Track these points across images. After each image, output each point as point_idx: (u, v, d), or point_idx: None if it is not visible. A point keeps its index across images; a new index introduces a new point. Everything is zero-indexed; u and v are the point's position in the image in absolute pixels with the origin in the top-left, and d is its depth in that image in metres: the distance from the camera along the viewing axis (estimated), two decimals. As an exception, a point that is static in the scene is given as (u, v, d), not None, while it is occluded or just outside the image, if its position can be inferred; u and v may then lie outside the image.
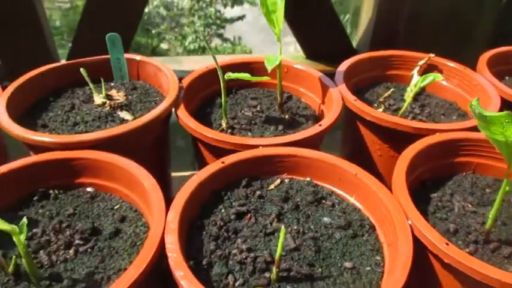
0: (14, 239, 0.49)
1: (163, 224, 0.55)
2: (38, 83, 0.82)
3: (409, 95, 0.88)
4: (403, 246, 0.53)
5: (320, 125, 0.72)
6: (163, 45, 5.38)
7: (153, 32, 5.21)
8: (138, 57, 0.87)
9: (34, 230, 0.60)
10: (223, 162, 0.64)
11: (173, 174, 0.95)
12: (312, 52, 1.28)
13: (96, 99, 0.82)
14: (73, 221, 0.62)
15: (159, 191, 0.60)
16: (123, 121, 0.78)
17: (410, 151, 0.67)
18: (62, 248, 0.58)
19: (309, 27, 1.22)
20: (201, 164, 0.78)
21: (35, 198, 0.65)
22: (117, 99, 0.82)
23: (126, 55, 0.86)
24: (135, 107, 0.82)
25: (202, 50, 5.11)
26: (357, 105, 0.77)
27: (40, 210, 0.64)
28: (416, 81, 0.88)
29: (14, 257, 0.53)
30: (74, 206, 0.64)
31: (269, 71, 0.75)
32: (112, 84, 0.88)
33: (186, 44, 6.07)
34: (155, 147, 0.78)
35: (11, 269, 0.54)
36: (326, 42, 1.25)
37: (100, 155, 0.65)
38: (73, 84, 0.86)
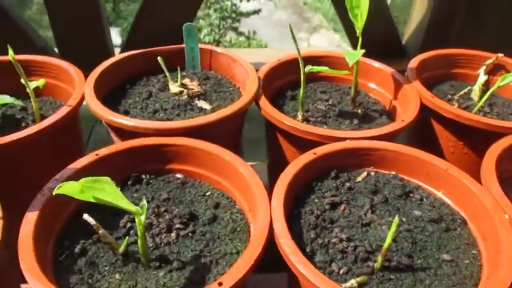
0: (136, 219, 0.50)
1: (269, 211, 0.56)
2: (116, 70, 0.83)
3: (476, 93, 0.90)
4: (505, 241, 0.54)
5: (403, 121, 0.73)
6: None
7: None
8: (211, 48, 0.88)
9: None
10: (315, 153, 0.66)
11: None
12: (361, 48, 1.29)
13: (172, 87, 0.83)
14: (168, 206, 0.63)
15: (258, 178, 0.61)
16: (201, 110, 0.79)
17: (496, 148, 0.68)
18: (164, 231, 0.59)
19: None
20: (277, 154, 0.79)
21: (129, 183, 0.66)
22: (192, 89, 0.83)
23: (200, 45, 0.87)
24: (210, 96, 0.83)
25: (217, 43, 5.10)
26: (435, 102, 0.78)
27: (135, 195, 0.65)
28: (483, 80, 0.89)
29: (126, 238, 0.55)
30: (167, 191, 0.66)
31: (350, 66, 0.76)
32: (184, 73, 0.89)
33: (201, 36, 6.06)
34: (234, 136, 0.79)
35: (122, 249, 0.55)
36: (377, 40, 1.25)
37: (193, 142, 0.66)
38: (147, 72, 0.88)
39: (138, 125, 0.67)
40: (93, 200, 0.45)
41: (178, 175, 0.69)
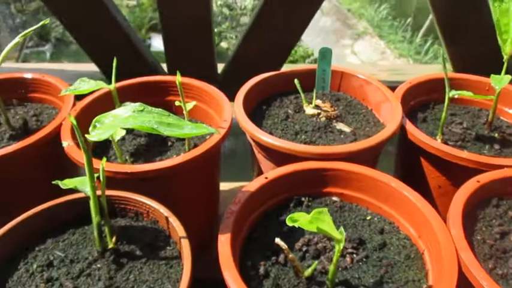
0: (336, 246, 0.52)
1: (450, 240, 0.57)
2: (256, 92, 0.86)
3: None
4: None
5: (558, 147, 0.72)
6: (224, 44, 5.47)
7: (215, 30, 5.30)
8: (343, 69, 0.90)
9: (307, 236, 0.63)
10: (478, 181, 0.66)
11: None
12: (462, 66, 1.28)
13: (307, 109, 0.85)
14: (332, 229, 0.65)
15: (429, 205, 0.62)
16: (341, 133, 0.80)
17: None
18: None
19: (465, 42, 1.22)
20: (414, 175, 0.80)
21: (291, 205, 0.69)
22: (327, 111, 0.85)
23: (332, 67, 0.89)
24: (346, 118, 0.85)
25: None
26: None
27: (298, 217, 0.67)
28: None
29: (315, 262, 0.57)
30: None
31: (497, 91, 0.76)
32: (313, 94, 0.91)
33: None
34: (375, 161, 0.80)
35: (308, 273, 0.57)
36: (479, 57, 1.24)
37: (356, 167, 0.68)
38: (278, 93, 0.90)
39: (301, 149, 0.69)
40: (315, 230, 0.47)
41: (334, 198, 0.70)
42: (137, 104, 0.55)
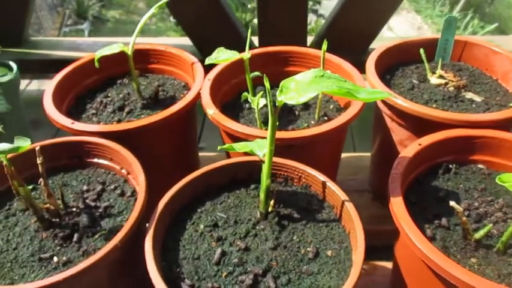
0: (521, 210, 0.53)
1: None
2: (382, 61, 0.86)
3: None
4: None
5: None
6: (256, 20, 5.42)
7: (249, 6, 5.25)
8: (466, 39, 0.90)
9: (466, 201, 0.64)
10: None
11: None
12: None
13: (432, 79, 0.85)
14: (484, 196, 0.66)
15: None
16: (472, 102, 0.80)
17: None
18: (500, 220, 0.62)
19: None
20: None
21: (440, 172, 0.70)
22: (452, 80, 0.85)
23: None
24: (473, 88, 0.84)
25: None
26: None
27: (449, 183, 0.68)
28: None
29: (490, 226, 0.58)
30: (478, 181, 0.68)
31: None
32: (433, 63, 0.91)
33: (281, 19, 6.05)
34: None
35: (479, 235, 0.58)
36: None
37: (507, 135, 0.68)
38: (399, 63, 0.90)
39: (453, 117, 0.70)
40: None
41: (480, 166, 0.71)
42: (316, 69, 0.57)
